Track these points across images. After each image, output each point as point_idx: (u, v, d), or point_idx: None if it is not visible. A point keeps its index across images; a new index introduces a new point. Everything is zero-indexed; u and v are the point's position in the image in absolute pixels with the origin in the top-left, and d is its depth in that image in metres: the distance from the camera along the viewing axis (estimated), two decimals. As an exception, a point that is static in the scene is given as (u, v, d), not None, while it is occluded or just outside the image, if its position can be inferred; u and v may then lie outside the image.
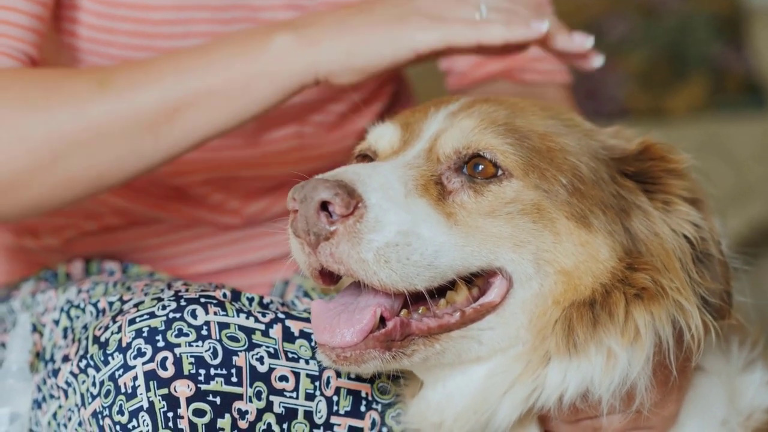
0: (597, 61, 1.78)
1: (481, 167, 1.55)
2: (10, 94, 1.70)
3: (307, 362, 1.59)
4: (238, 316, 1.58)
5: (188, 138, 1.72)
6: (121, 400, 1.53)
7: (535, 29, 1.70)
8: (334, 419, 1.59)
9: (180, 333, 1.54)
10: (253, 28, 1.77)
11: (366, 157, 1.68)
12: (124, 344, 1.55)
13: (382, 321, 1.50)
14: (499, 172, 1.54)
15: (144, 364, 1.53)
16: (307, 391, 1.58)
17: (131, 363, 1.53)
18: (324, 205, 1.45)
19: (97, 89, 1.70)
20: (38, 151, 1.69)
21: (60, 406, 1.66)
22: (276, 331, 1.59)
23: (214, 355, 1.54)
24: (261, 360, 1.56)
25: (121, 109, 1.69)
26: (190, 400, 1.51)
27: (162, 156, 1.73)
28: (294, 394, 1.57)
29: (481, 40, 1.68)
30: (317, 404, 1.59)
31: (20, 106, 1.69)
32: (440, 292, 1.53)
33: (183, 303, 1.56)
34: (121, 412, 1.53)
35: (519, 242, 1.52)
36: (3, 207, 1.73)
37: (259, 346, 1.57)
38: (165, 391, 1.51)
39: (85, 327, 1.67)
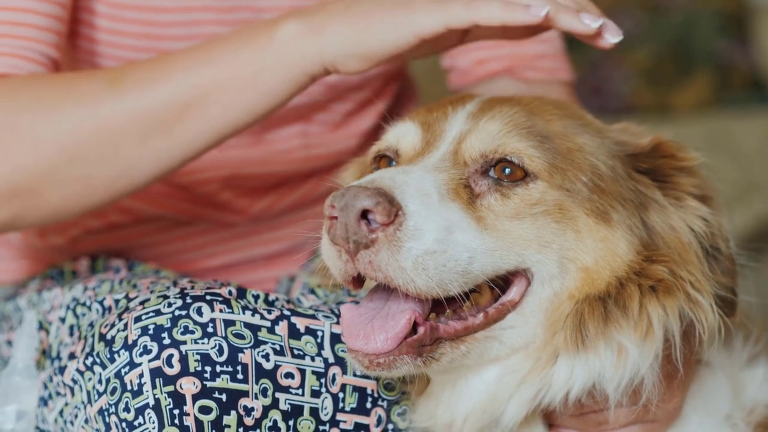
0: (611, 38, 1.58)
1: (509, 171, 1.55)
2: (21, 97, 1.70)
3: (312, 359, 1.59)
4: (243, 313, 1.58)
5: (202, 135, 1.70)
6: (127, 397, 1.53)
7: (534, 14, 1.58)
8: (339, 416, 1.60)
9: (186, 330, 1.54)
10: (261, 20, 1.75)
11: (385, 157, 1.66)
12: (130, 342, 1.55)
13: (413, 326, 1.50)
14: (527, 176, 1.54)
15: (150, 361, 1.53)
16: (313, 388, 1.58)
17: (137, 360, 1.53)
18: (364, 213, 1.44)
19: (107, 89, 1.69)
20: (53, 154, 1.68)
21: (66, 404, 1.67)
22: (282, 328, 1.59)
23: (220, 352, 1.54)
24: (267, 357, 1.56)
25: (132, 107, 1.68)
26: (196, 397, 1.52)
27: (179, 155, 1.71)
28: (300, 391, 1.57)
29: (477, 19, 1.60)
30: (323, 401, 1.59)
31: (32, 109, 1.69)
32: (464, 293, 1.52)
33: (189, 300, 1.57)
34: (127, 409, 1.53)
35: (544, 243, 1.53)
36: (24, 213, 1.71)
37: (265, 343, 1.57)
38: (171, 388, 1.52)
39: (92, 324, 1.68)
